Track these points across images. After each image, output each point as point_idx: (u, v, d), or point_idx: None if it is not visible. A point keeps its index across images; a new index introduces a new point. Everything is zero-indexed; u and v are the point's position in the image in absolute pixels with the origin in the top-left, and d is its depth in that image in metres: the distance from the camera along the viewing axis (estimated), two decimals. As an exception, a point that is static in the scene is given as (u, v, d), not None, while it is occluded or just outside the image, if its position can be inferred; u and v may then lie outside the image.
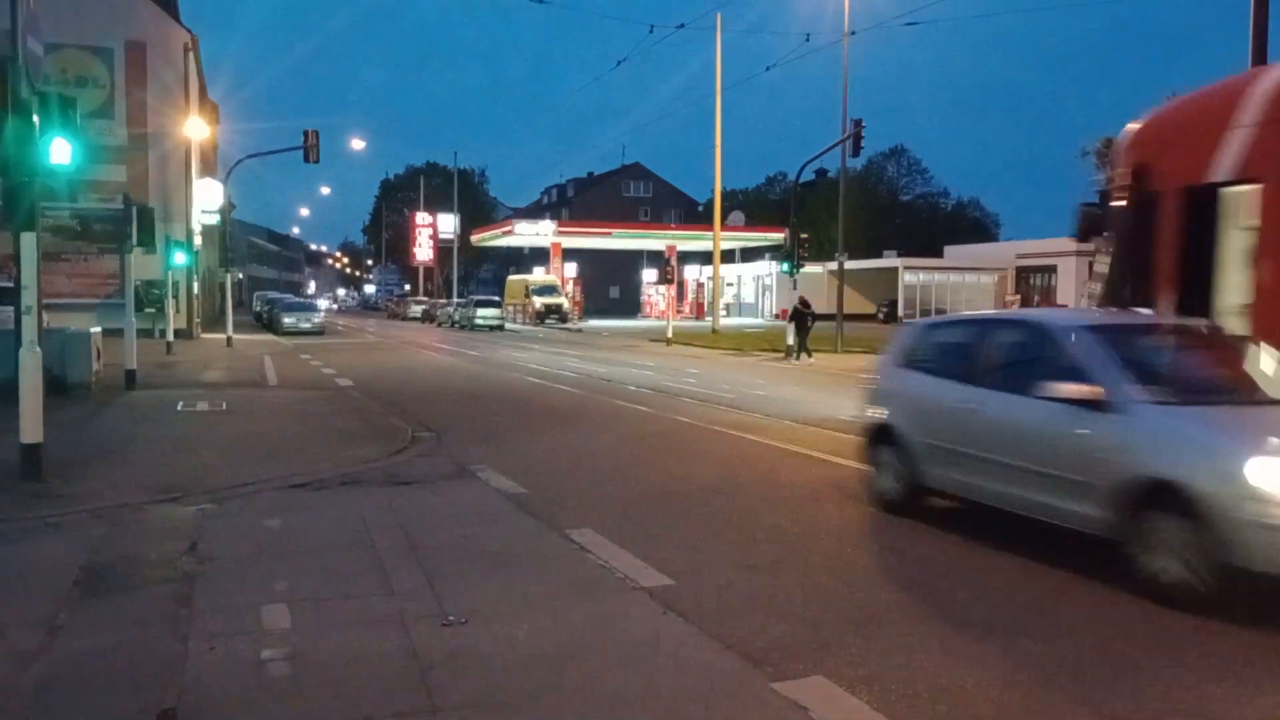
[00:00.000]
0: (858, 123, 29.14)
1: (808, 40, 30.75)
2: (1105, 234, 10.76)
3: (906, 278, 58.62)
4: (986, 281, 60.47)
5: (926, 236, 72.29)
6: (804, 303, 25.97)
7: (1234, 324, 8.94)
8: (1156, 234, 9.68)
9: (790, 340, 26.00)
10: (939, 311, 57.65)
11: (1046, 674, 4.52)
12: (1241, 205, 9.00)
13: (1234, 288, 9.06)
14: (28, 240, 8.60)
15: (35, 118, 8.39)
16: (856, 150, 30.49)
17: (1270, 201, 8.57)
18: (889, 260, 61.03)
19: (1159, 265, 9.62)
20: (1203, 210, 9.30)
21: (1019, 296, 58.24)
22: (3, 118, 8.25)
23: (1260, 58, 13.75)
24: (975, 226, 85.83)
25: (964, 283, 60.41)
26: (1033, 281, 59.16)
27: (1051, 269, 57.39)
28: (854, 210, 46.80)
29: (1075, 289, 54.78)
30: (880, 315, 57.96)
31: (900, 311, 57.47)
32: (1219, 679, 4.51)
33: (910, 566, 6.35)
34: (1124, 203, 10.19)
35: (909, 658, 4.68)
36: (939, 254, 64.65)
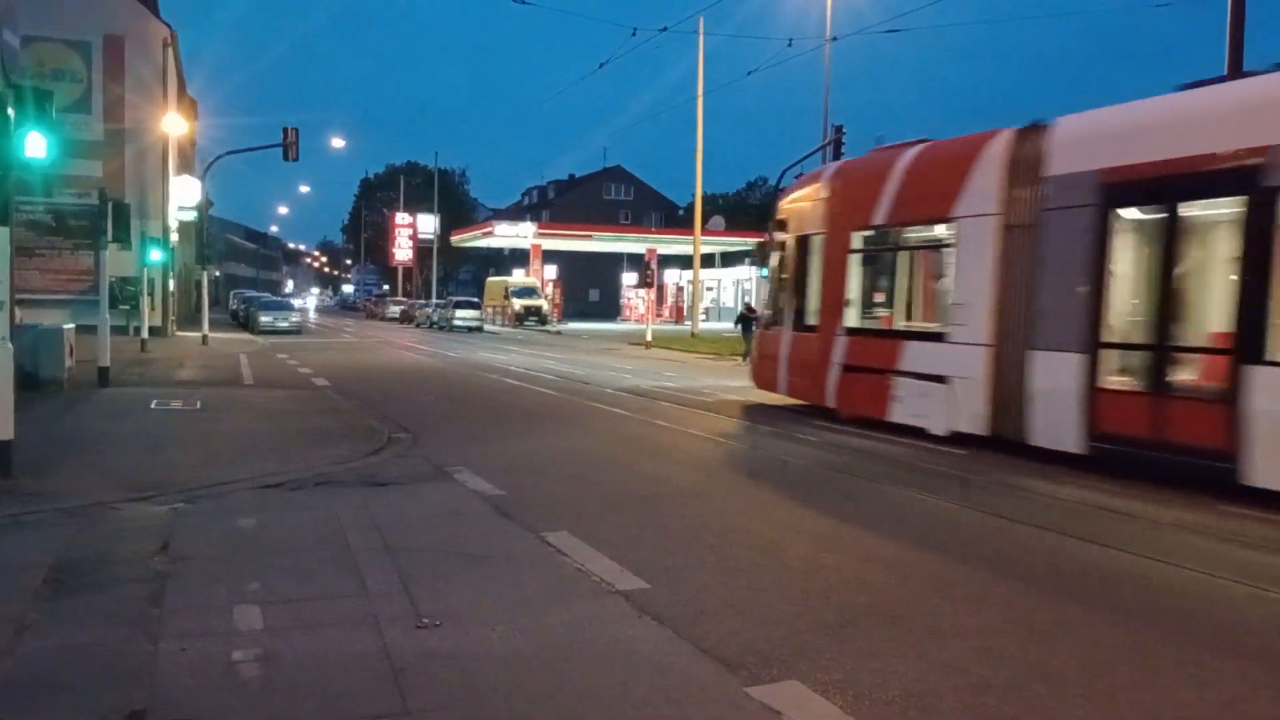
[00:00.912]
0: (838, 129, 29.32)
1: (790, 45, 30.88)
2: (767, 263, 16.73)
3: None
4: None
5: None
6: (749, 309, 27.06)
7: (813, 321, 14.83)
8: (787, 264, 15.57)
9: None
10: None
11: (1019, 680, 4.54)
12: (819, 246, 14.71)
13: (814, 297, 14.86)
14: (1, 235, 8.50)
15: (10, 110, 8.31)
16: (837, 156, 30.62)
17: (829, 244, 14.42)
18: (869, 266, 61.20)
19: (788, 284, 15.49)
20: (807, 249, 15.01)
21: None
22: (-24, 110, 8.18)
23: (1236, 67, 13.98)
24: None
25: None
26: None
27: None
28: (834, 216, 47.01)
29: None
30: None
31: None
32: (1195, 687, 4.55)
33: (886, 572, 6.37)
34: (775, 244, 16.11)
35: (883, 662, 4.70)
36: (918, 260, 64.93)
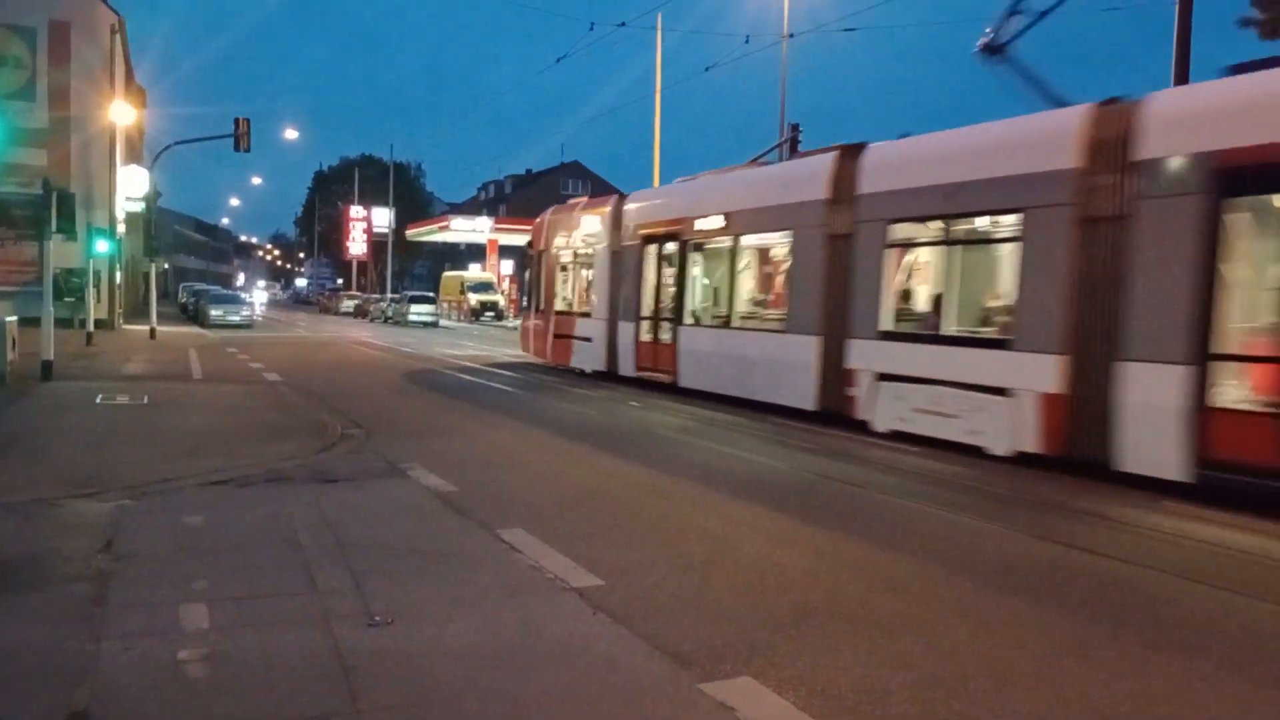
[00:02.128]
0: (794, 126, 29.47)
1: (747, 42, 30.71)
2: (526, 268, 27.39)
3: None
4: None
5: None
6: None
7: (542, 307, 22.81)
8: (531, 269, 23.87)
9: None
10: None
11: (968, 674, 4.60)
12: (545, 259, 22.67)
13: (543, 292, 22.63)
14: (-62, 224, 8.27)
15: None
16: (794, 153, 30.76)
17: (548, 258, 22.45)
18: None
19: (533, 284, 23.48)
20: (540, 260, 22.98)
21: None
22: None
23: (1183, 71, 14.29)
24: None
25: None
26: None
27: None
28: (790, 214, 47.17)
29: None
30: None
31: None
32: (1132, 678, 4.64)
33: (839, 568, 6.42)
34: (529, 253, 24.46)
35: (835, 658, 4.73)
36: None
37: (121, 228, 33.46)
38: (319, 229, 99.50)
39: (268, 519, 7.29)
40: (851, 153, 13.43)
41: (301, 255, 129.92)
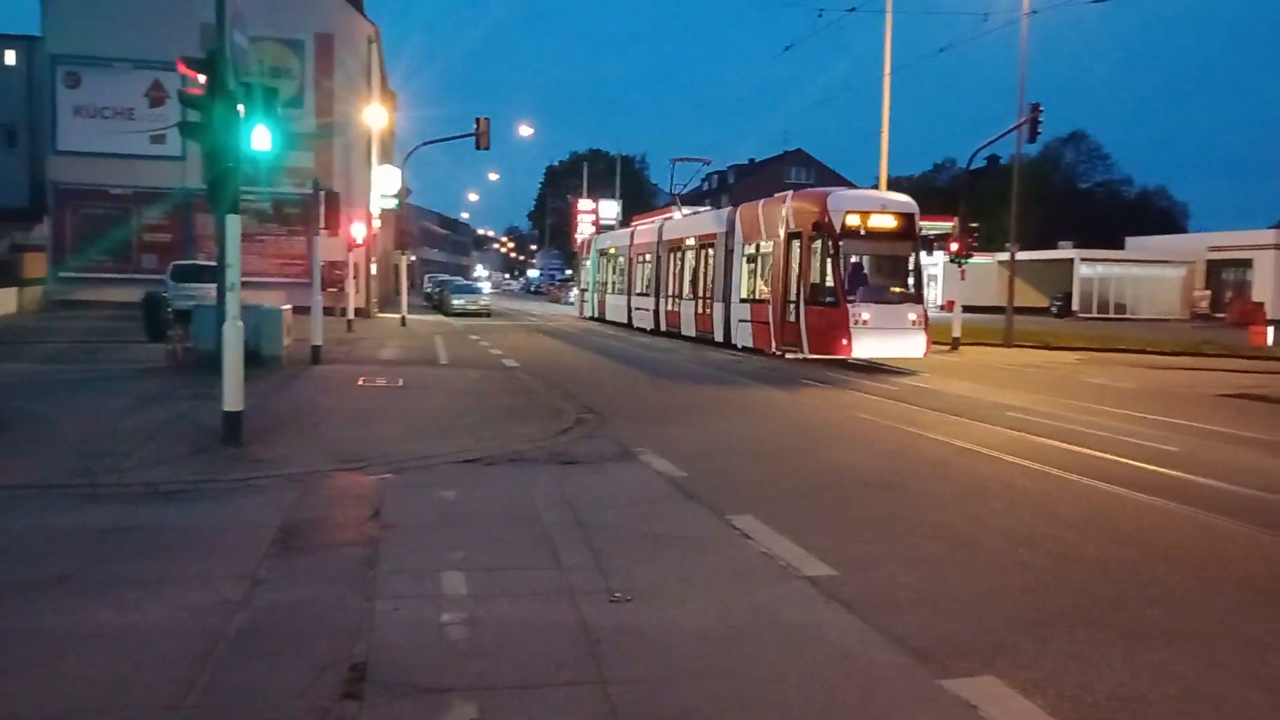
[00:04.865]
0: (1035, 107, 27.84)
1: (985, 20, 29.19)
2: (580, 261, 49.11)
3: (1082, 270, 55.56)
4: (1172, 275, 56.64)
5: (1106, 226, 68.38)
6: None
7: (586, 285, 45.26)
8: (583, 266, 45.39)
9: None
10: (1118, 306, 54.88)
11: (1235, 689, 4.28)
12: (580, 259, 49.27)
13: (580, 279, 47.06)
14: (232, 222, 9.24)
15: (240, 107, 9.02)
16: (1033, 136, 29.07)
17: (580, 259, 50.40)
18: (1064, 251, 57.93)
19: (584, 275, 44.85)
20: (580, 259, 49.38)
21: (1209, 292, 54.51)
22: (211, 106, 8.92)
23: None
24: (1161, 216, 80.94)
25: (1146, 276, 56.74)
26: (1225, 276, 55.19)
27: (1246, 263, 53.32)
28: (1027, 198, 44.59)
29: (1274, 284, 50.98)
30: (1053, 309, 55.25)
31: (1075, 305, 54.70)
32: None
33: (1089, 570, 6.11)
34: (577, 255, 54.33)
35: (1086, 663, 4.52)
36: (1120, 245, 61.10)
37: (377, 223, 36.09)
38: (550, 221, 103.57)
39: (513, 497, 7.74)
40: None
41: (533, 247, 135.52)
